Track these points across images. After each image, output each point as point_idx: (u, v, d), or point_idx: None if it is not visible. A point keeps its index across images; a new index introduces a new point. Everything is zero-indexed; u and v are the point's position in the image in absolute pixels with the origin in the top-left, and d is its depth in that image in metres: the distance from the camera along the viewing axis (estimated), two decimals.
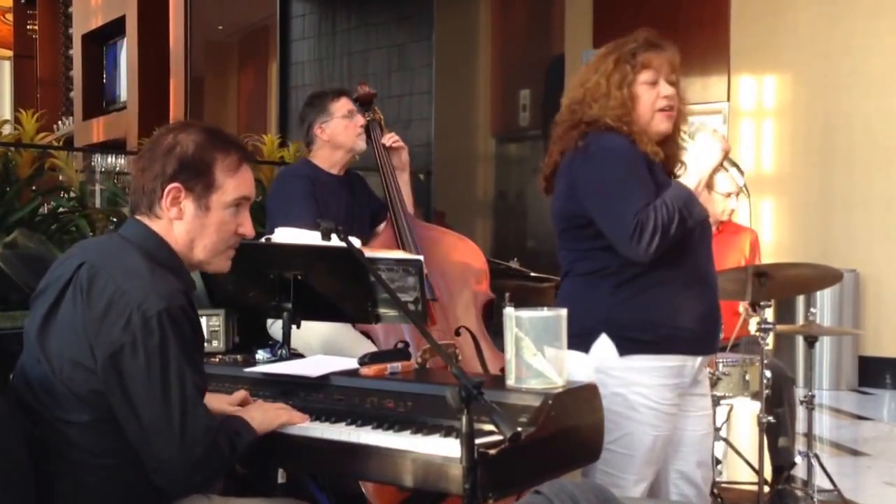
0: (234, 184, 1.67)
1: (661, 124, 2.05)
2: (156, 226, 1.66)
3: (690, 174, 2.01)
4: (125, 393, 1.53)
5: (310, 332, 2.35)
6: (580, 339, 1.97)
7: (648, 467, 2.04)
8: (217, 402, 1.81)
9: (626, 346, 1.99)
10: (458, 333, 2.63)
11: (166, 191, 1.64)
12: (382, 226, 2.93)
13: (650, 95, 2.04)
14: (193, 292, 1.70)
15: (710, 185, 3.28)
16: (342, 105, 2.96)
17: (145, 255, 1.62)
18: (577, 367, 1.95)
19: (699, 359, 2.06)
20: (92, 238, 1.80)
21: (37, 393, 1.58)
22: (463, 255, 2.87)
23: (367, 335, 2.63)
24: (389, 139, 3.03)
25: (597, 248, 2.02)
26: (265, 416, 1.76)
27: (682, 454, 2.12)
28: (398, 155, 3.03)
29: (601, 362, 2.00)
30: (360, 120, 2.96)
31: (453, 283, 2.76)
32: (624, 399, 1.99)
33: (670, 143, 2.11)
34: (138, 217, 1.68)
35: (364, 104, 3.08)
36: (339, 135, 2.93)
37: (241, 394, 1.92)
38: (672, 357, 2.01)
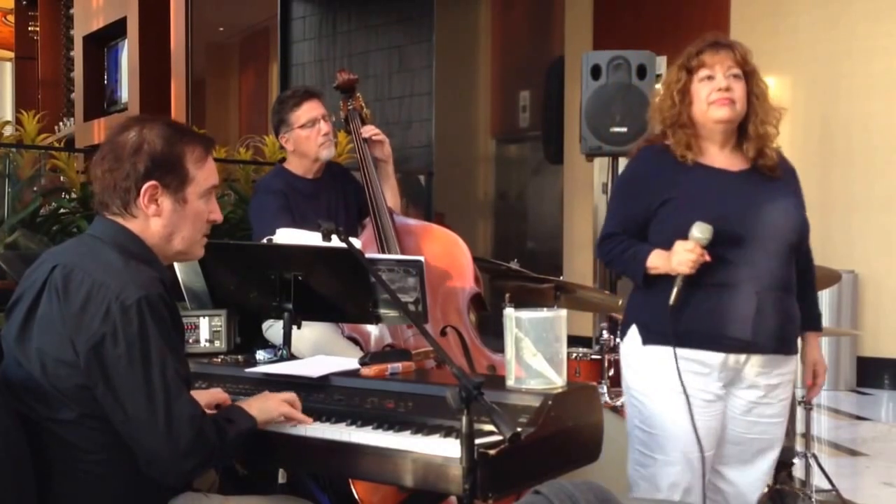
0: (204, 174, 1.70)
1: (716, 112, 2.14)
2: (131, 224, 1.67)
3: (659, 259, 2.10)
4: (108, 383, 1.54)
5: (299, 340, 2.34)
6: (623, 328, 2.25)
7: (677, 452, 2.11)
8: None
9: (648, 336, 2.15)
10: (444, 333, 2.62)
11: (143, 190, 1.64)
12: (365, 224, 2.87)
13: (706, 90, 2.14)
14: (169, 283, 1.70)
15: None
16: (302, 113, 2.81)
17: (118, 249, 1.63)
18: (621, 354, 2.28)
19: (720, 356, 2.10)
20: (61, 244, 1.81)
21: (23, 397, 1.58)
22: (445, 250, 2.78)
23: (356, 342, 2.62)
24: (368, 131, 2.89)
25: None
26: (265, 404, 1.77)
27: (722, 452, 2.19)
28: (379, 147, 2.91)
29: (630, 350, 2.21)
30: (323, 127, 2.82)
31: (436, 279, 2.69)
32: (647, 382, 2.16)
33: (758, 141, 2.17)
34: (109, 216, 1.68)
35: (345, 91, 2.96)
36: (299, 145, 2.83)
37: (216, 392, 1.94)
38: (690, 351, 2.09)
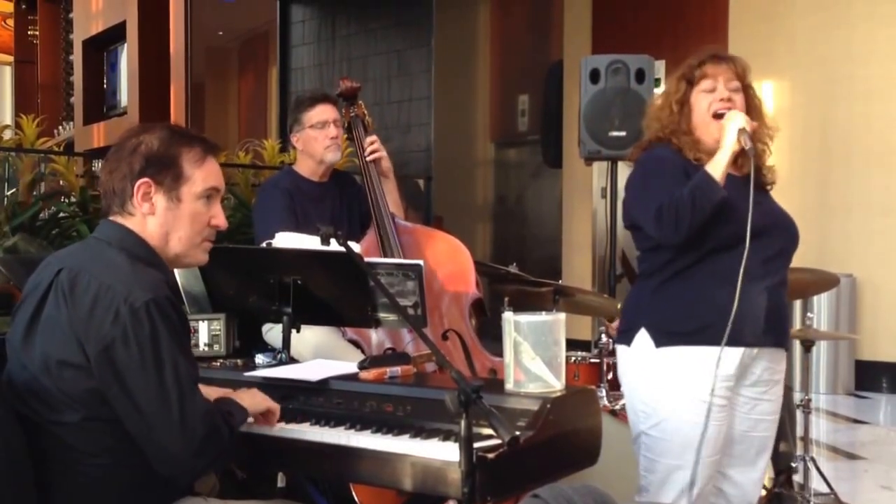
0: (202, 175, 1.70)
1: (718, 132, 2.14)
2: (130, 223, 1.68)
3: (718, 153, 2.10)
4: (122, 386, 1.54)
5: (300, 342, 2.35)
6: (625, 335, 2.20)
7: (690, 456, 2.10)
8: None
9: (661, 338, 2.13)
10: (445, 337, 2.63)
11: (136, 186, 1.66)
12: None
13: (706, 101, 2.16)
14: (174, 286, 1.73)
15: None
16: (315, 114, 2.88)
17: (124, 252, 1.65)
18: (621, 360, 2.22)
19: (738, 350, 2.10)
20: (66, 247, 1.82)
21: (26, 399, 1.59)
22: (447, 256, 2.80)
23: (357, 345, 2.63)
24: (367, 147, 2.92)
25: (647, 250, 2.20)
26: (253, 398, 1.80)
27: (730, 452, 2.18)
28: (377, 163, 2.93)
29: (640, 354, 2.16)
30: (331, 131, 2.87)
31: (439, 284, 2.72)
32: (658, 387, 2.12)
33: (755, 159, 2.16)
34: (111, 218, 1.70)
35: (347, 99, 3.01)
36: (307, 145, 2.89)
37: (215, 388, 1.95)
38: (704, 348, 2.08)
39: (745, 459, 2.21)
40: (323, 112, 2.89)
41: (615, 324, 3.14)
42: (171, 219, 1.68)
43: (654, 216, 2.05)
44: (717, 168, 2.07)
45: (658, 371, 2.12)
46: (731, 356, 2.10)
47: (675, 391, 2.11)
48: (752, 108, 2.20)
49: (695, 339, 2.09)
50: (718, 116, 2.15)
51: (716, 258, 2.10)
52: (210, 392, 1.92)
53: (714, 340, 2.08)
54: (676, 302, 2.12)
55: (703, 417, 2.09)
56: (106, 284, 1.56)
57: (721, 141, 2.10)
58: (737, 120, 2.10)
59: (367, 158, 2.91)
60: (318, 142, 2.87)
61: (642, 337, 2.15)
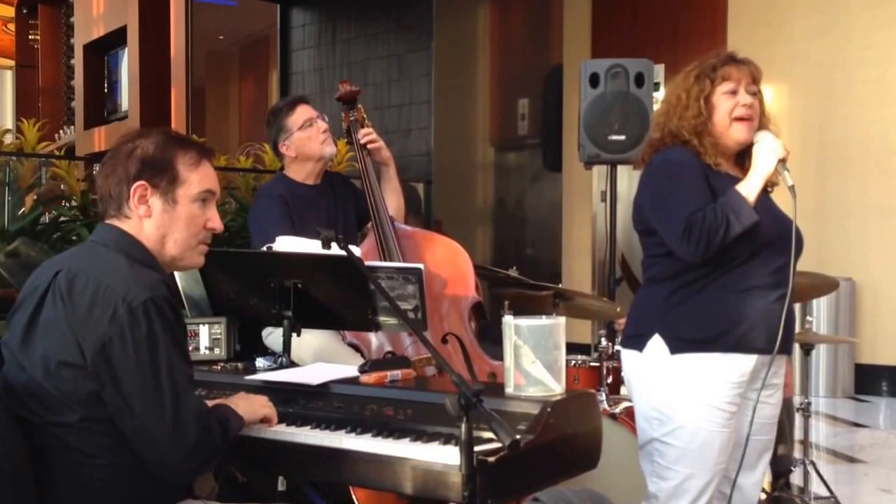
0: (197, 177, 1.72)
1: (739, 133, 2.15)
2: (126, 226, 1.70)
3: (751, 176, 2.09)
4: (117, 384, 1.55)
5: (300, 346, 2.35)
6: (636, 340, 2.17)
7: (703, 464, 2.10)
8: None
9: (677, 345, 2.11)
10: (445, 341, 2.63)
11: (132, 190, 1.68)
12: (366, 232, 2.89)
13: (728, 104, 2.14)
14: (171, 286, 1.72)
15: None
16: (298, 116, 2.87)
17: (121, 253, 1.66)
18: (630, 366, 2.19)
19: (753, 357, 2.10)
20: (62, 252, 1.83)
21: (24, 401, 1.60)
22: (447, 259, 2.81)
23: (357, 348, 2.63)
24: (363, 136, 2.91)
25: (659, 255, 2.16)
26: (250, 405, 1.80)
27: (734, 456, 2.18)
28: (377, 153, 2.93)
29: (654, 360, 2.13)
30: (321, 125, 2.87)
31: (438, 287, 2.72)
32: (673, 394, 2.11)
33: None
34: (108, 221, 1.72)
35: (347, 102, 3.00)
36: (302, 147, 2.87)
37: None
38: (720, 355, 2.09)
39: (748, 463, 2.21)
40: (304, 111, 2.89)
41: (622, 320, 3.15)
42: (168, 221, 1.70)
43: (683, 232, 2.02)
44: (751, 192, 2.06)
45: (673, 378, 2.11)
46: (746, 363, 2.10)
47: (691, 398, 2.09)
48: (763, 112, 2.19)
49: (711, 347, 2.09)
50: (738, 120, 2.14)
51: (732, 268, 2.09)
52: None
53: (730, 348, 2.08)
54: (692, 309, 2.10)
55: (717, 425, 2.10)
56: (104, 284, 1.58)
57: (754, 164, 2.09)
58: (775, 148, 2.09)
59: (361, 141, 2.89)
60: (312, 140, 2.86)
61: (656, 343, 2.13)
